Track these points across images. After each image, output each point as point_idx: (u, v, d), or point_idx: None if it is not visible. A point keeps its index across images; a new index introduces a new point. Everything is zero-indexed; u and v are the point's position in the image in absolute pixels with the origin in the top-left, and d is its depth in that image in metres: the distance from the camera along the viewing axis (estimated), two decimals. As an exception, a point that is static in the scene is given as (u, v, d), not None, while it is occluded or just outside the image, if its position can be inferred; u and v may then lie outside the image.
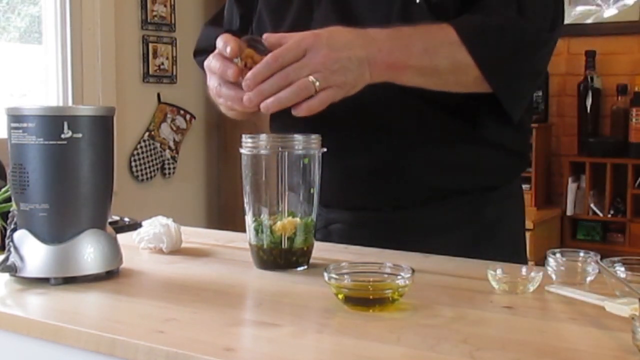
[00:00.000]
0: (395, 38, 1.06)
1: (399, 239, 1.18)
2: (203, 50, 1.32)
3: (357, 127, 1.19)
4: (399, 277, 0.85)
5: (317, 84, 0.98)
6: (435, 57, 1.07)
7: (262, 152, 1.02)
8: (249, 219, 1.04)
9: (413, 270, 0.85)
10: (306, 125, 1.14)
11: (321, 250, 1.11)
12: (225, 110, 1.20)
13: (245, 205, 1.04)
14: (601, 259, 0.93)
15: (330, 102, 1.00)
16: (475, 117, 1.20)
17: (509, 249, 1.25)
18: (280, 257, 1.02)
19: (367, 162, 1.20)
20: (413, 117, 1.18)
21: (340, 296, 0.84)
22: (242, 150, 1.03)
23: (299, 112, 1.00)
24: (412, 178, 1.20)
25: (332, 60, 0.99)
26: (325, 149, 1.05)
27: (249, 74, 0.99)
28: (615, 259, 0.94)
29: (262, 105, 0.99)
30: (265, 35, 1.03)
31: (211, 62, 1.06)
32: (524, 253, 1.31)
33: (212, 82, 1.08)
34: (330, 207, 1.25)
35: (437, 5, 1.14)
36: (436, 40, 1.08)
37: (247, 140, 1.03)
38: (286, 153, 1.01)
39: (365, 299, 0.83)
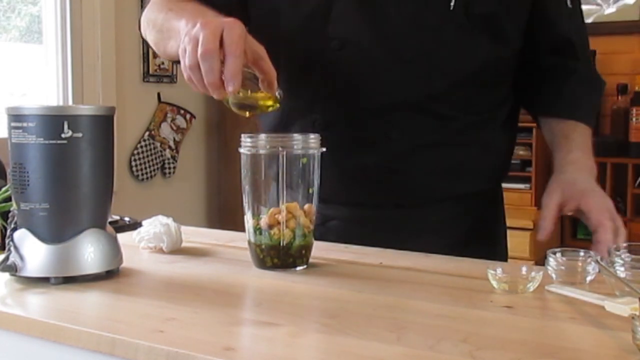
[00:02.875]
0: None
1: (394, 237, 1.21)
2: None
3: (364, 127, 1.21)
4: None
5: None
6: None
7: (261, 151, 1.02)
8: (248, 218, 1.04)
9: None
10: (317, 122, 1.21)
11: (320, 249, 1.11)
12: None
13: (245, 204, 1.04)
14: (601, 259, 0.93)
15: None
16: (482, 123, 1.25)
17: (494, 248, 1.33)
18: (279, 256, 1.02)
19: (371, 160, 1.22)
20: (419, 121, 1.21)
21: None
22: (242, 150, 1.03)
23: None
24: (414, 179, 1.23)
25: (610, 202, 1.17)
26: (324, 149, 1.05)
27: None
28: (622, 244, 0.94)
29: None
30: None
31: (197, 52, 0.98)
32: (506, 251, 1.37)
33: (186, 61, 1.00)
34: (329, 203, 1.26)
35: (483, 17, 1.17)
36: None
37: (246, 140, 1.03)
38: (285, 153, 1.01)
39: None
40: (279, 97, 1.05)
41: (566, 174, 1.20)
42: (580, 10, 1.31)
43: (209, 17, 1.07)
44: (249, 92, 1.03)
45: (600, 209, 1.13)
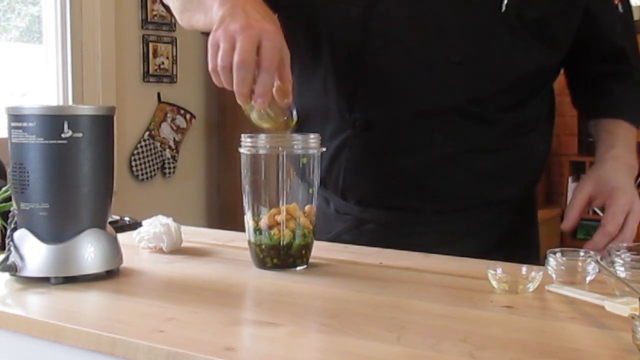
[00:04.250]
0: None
1: (429, 242, 1.17)
2: None
3: (406, 129, 1.18)
4: None
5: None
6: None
7: (261, 151, 1.02)
8: (248, 218, 1.04)
9: None
10: (357, 121, 1.18)
11: (320, 249, 1.11)
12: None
13: (245, 204, 1.04)
14: (601, 259, 0.93)
15: None
16: (524, 127, 1.23)
17: (528, 250, 1.31)
18: (279, 256, 1.02)
19: (411, 164, 1.19)
20: (463, 125, 1.18)
21: None
22: (242, 150, 1.03)
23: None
24: (454, 185, 1.20)
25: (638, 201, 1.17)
26: (324, 149, 1.05)
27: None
28: (622, 244, 0.94)
29: None
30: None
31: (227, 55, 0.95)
32: (538, 253, 1.35)
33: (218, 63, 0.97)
34: (365, 206, 1.24)
35: (535, 22, 1.13)
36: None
37: (246, 140, 1.03)
38: (285, 153, 1.01)
39: None
40: (294, 116, 1.03)
41: (603, 170, 1.20)
42: (631, 13, 1.28)
43: (242, 3, 1.00)
44: (268, 107, 0.99)
45: (616, 212, 1.13)
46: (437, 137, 1.17)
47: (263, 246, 1.02)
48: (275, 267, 1.02)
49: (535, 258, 1.32)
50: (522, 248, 1.29)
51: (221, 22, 0.97)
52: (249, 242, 1.04)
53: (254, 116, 1.02)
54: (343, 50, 1.19)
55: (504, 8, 1.12)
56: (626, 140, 1.24)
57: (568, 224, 1.18)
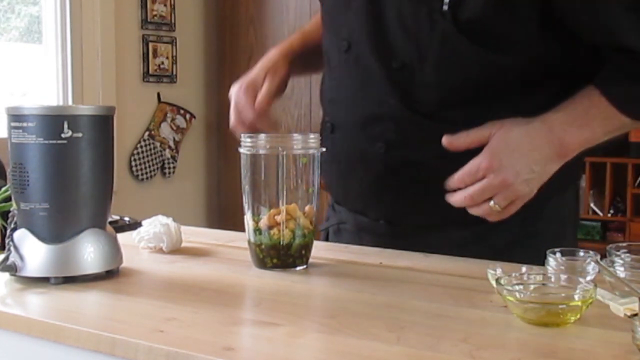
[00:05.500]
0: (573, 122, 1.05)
1: (403, 247, 1.14)
2: None
3: (358, 137, 1.16)
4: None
5: (497, 207, 1.03)
6: (607, 125, 1.06)
7: (261, 151, 1.02)
8: (248, 218, 1.04)
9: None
10: (327, 124, 1.23)
11: (320, 249, 1.11)
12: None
13: (245, 204, 1.04)
14: (601, 259, 0.93)
15: (512, 213, 1.05)
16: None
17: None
18: (279, 256, 1.02)
19: (367, 171, 1.16)
20: (409, 134, 1.12)
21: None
22: (241, 150, 1.03)
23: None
24: (406, 197, 1.15)
25: (512, 178, 1.01)
26: (324, 149, 1.05)
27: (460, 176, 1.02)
28: (622, 244, 0.94)
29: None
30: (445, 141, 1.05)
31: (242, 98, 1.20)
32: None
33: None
34: (341, 206, 1.27)
35: (470, 22, 1.03)
36: (607, 114, 1.05)
37: (246, 140, 1.03)
38: (285, 153, 1.01)
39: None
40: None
41: (519, 125, 1.03)
42: None
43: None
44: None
45: (472, 166, 1.01)
46: (380, 146, 1.13)
47: (263, 246, 1.02)
48: (275, 267, 1.02)
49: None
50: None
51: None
52: (249, 242, 1.04)
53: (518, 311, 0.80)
54: (329, 54, 1.23)
55: (445, 7, 1.03)
56: (584, 113, 1.04)
57: (447, 140, 1.04)
